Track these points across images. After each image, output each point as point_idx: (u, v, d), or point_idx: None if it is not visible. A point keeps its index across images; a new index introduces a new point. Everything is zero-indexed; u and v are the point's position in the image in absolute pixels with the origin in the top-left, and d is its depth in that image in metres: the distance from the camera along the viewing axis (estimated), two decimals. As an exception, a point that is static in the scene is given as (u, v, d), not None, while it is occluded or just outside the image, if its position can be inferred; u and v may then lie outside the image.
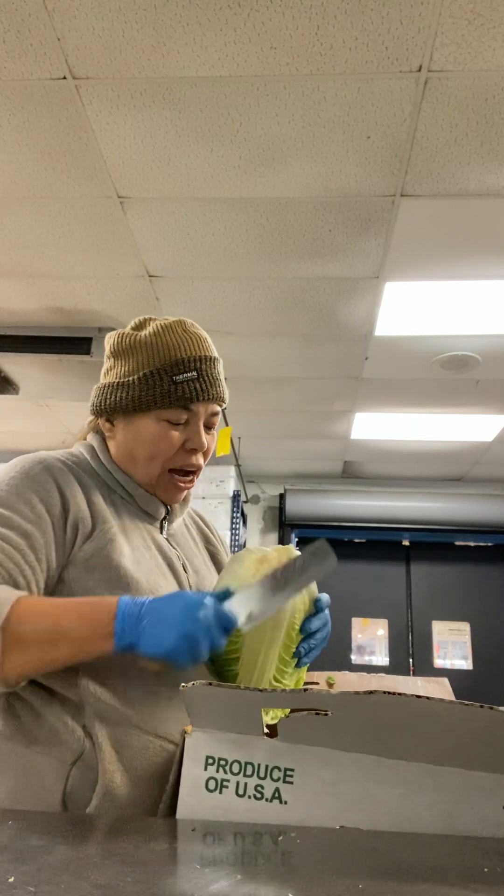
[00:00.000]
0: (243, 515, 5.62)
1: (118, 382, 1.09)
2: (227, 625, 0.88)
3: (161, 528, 1.14)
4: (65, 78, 1.97)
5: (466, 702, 0.72)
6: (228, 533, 5.20)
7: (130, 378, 1.08)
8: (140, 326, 1.14)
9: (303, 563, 0.94)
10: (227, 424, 4.24)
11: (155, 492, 1.11)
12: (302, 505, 5.84)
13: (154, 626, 0.85)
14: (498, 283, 2.92)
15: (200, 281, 3.02)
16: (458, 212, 2.49)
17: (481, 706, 0.71)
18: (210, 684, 0.80)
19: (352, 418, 4.64)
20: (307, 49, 1.84)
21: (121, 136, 2.18)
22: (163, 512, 1.13)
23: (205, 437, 1.09)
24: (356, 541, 6.11)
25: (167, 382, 1.06)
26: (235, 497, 5.33)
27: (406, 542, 6.12)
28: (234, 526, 5.22)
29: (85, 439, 1.18)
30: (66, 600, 0.93)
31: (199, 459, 1.11)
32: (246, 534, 5.87)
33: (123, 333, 1.13)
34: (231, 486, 5.31)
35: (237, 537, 5.22)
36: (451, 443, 5.05)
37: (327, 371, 3.91)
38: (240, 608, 0.89)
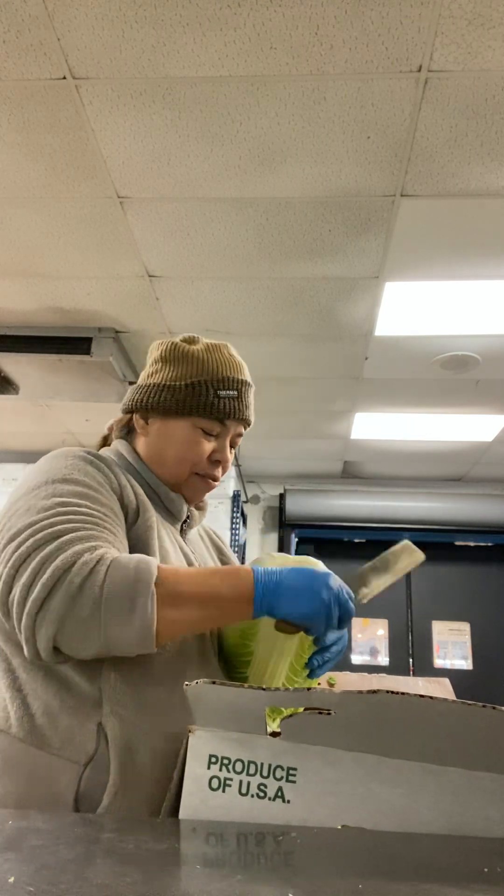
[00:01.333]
0: (243, 515, 5.62)
1: (165, 385, 1.17)
2: (350, 596, 0.98)
3: (181, 531, 1.20)
4: (64, 78, 1.97)
5: (469, 701, 0.72)
6: (228, 533, 5.20)
7: (178, 383, 1.16)
8: (190, 341, 1.23)
9: (397, 553, 1.15)
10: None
11: (180, 490, 1.18)
12: (302, 505, 5.84)
13: (292, 592, 0.93)
14: (498, 283, 2.92)
15: (200, 281, 3.02)
16: (458, 212, 2.49)
17: (483, 706, 0.71)
18: (213, 683, 0.80)
19: (352, 418, 4.64)
20: (307, 49, 1.84)
21: (121, 136, 2.18)
22: (184, 514, 1.19)
23: (229, 454, 1.20)
24: (356, 541, 6.11)
25: (212, 395, 1.15)
26: (235, 497, 5.33)
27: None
28: (234, 526, 5.23)
29: (108, 436, 1.27)
30: (198, 569, 1.03)
31: (219, 472, 1.20)
32: (246, 534, 5.87)
33: (175, 343, 1.21)
34: (231, 486, 5.31)
35: (237, 537, 5.22)
36: (451, 443, 5.05)
37: (327, 371, 3.91)
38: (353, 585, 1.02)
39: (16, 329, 3.45)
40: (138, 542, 1.03)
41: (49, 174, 2.36)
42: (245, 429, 1.24)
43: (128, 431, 1.24)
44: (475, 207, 2.46)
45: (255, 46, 1.84)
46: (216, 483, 1.21)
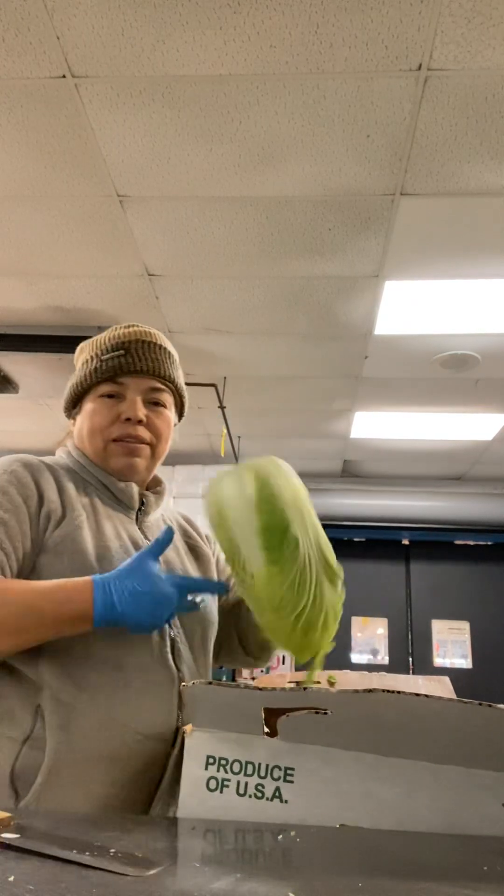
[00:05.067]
0: (243, 514, 5.61)
1: (70, 381, 1.22)
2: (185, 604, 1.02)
3: (138, 519, 1.18)
4: (64, 76, 1.97)
5: (466, 699, 0.73)
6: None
7: (78, 372, 1.21)
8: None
9: None
10: (226, 424, 4.25)
11: (110, 468, 1.15)
12: (302, 504, 5.83)
13: (134, 609, 0.94)
14: (498, 282, 2.92)
15: (200, 280, 3.02)
16: (458, 210, 2.49)
17: (480, 704, 0.71)
18: (210, 683, 0.80)
19: (351, 417, 4.63)
20: (307, 47, 1.84)
21: (120, 135, 2.18)
22: (136, 501, 1.16)
23: (140, 409, 1.14)
24: (356, 540, 6.11)
25: (96, 362, 1.16)
26: (235, 496, 5.32)
27: (406, 542, 6.12)
28: (233, 525, 5.21)
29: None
30: (40, 583, 0.98)
31: (141, 432, 1.15)
32: (246, 533, 5.86)
33: (82, 343, 1.25)
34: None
35: (237, 536, 5.21)
36: (451, 442, 5.05)
37: (327, 370, 3.91)
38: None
39: (16, 328, 3.45)
40: (64, 541, 1.04)
41: (49, 173, 2.36)
42: (161, 383, 1.18)
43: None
44: (475, 206, 2.46)
45: (255, 45, 1.84)
46: (141, 445, 1.16)
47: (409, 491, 5.92)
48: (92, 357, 1.18)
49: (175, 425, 1.27)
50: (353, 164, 2.27)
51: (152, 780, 0.96)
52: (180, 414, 1.30)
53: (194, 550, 1.27)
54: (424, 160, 2.24)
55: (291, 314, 3.28)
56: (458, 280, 2.92)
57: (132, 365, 1.15)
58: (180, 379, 1.25)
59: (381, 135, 2.14)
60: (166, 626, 1.06)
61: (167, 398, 1.20)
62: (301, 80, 1.95)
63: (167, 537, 1.01)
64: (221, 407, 4.10)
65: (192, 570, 1.21)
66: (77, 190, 2.45)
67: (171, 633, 1.07)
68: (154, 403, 1.18)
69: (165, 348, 1.21)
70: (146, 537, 1.15)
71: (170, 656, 1.05)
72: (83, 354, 1.22)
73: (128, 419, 1.14)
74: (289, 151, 2.23)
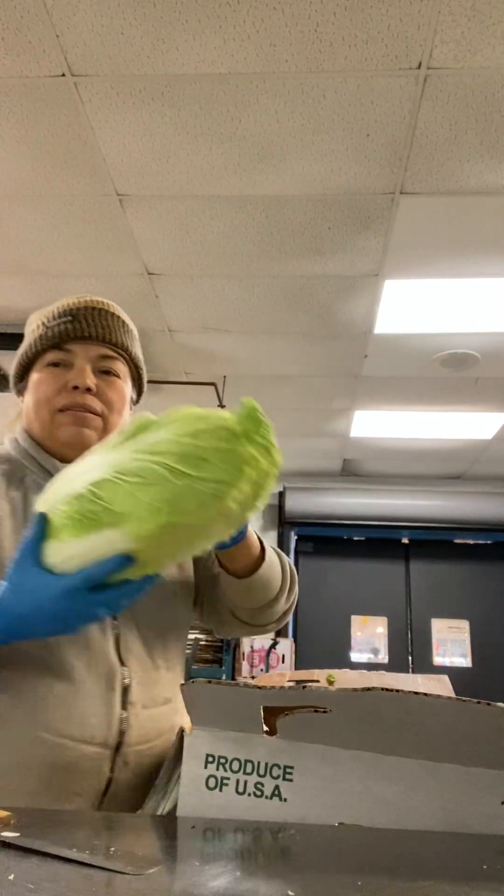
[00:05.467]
0: (243, 513, 5.61)
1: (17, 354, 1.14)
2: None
3: None
4: (63, 75, 1.97)
5: (464, 698, 0.73)
6: (228, 531, 5.19)
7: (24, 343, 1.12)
8: None
9: None
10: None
11: (58, 442, 1.04)
12: (301, 503, 5.85)
13: (21, 631, 0.80)
14: (497, 281, 2.92)
15: (199, 279, 3.02)
16: (458, 209, 2.49)
17: (478, 702, 0.71)
18: (209, 682, 0.80)
19: (351, 416, 4.64)
20: (306, 46, 1.84)
21: (120, 134, 2.18)
22: None
23: (89, 376, 1.05)
24: (355, 539, 6.11)
25: (42, 329, 1.09)
26: (235, 495, 5.32)
27: (405, 540, 6.12)
28: (233, 524, 5.22)
29: None
30: None
31: (90, 401, 1.05)
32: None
33: (32, 314, 1.17)
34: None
35: (236, 535, 5.22)
36: (451, 441, 5.05)
37: (327, 369, 3.91)
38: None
39: (14, 327, 3.44)
40: None
41: (48, 172, 2.36)
42: (112, 350, 1.09)
43: None
44: (475, 205, 2.46)
45: (255, 44, 1.84)
46: (90, 415, 1.05)
47: (408, 490, 5.92)
48: (38, 326, 1.10)
49: (133, 402, 1.17)
50: (352, 163, 2.27)
51: (93, 787, 0.91)
52: (139, 391, 1.19)
53: None
54: (424, 159, 2.24)
55: (291, 313, 3.28)
56: (457, 279, 2.92)
57: (80, 330, 1.06)
58: (136, 350, 1.15)
59: (381, 134, 2.14)
60: (108, 618, 0.96)
61: (120, 367, 1.10)
62: (301, 79, 1.95)
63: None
64: (221, 406, 4.10)
65: None
66: (76, 189, 2.44)
67: (115, 627, 0.98)
68: (105, 372, 1.08)
69: (119, 316, 1.12)
70: None
71: (112, 652, 0.97)
72: (30, 326, 1.14)
73: (75, 387, 1.04)
74: (288, 150, 2.23)
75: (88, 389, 1.05)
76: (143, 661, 1.00)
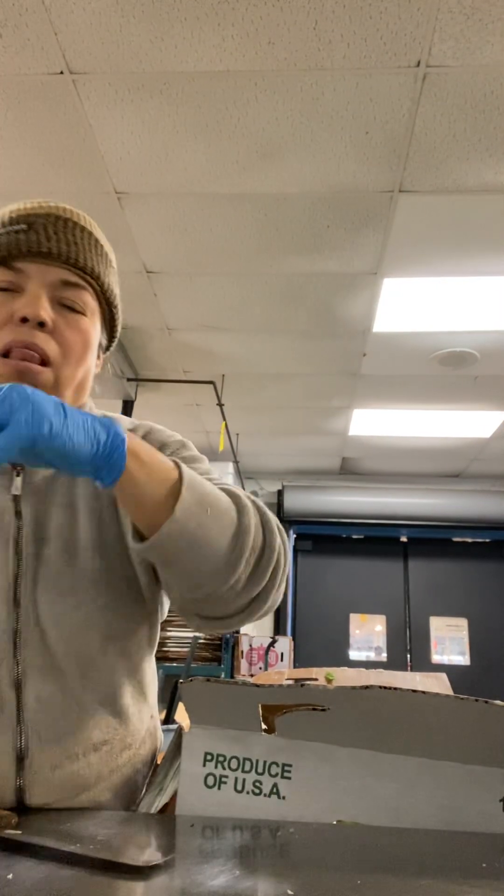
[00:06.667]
0: (241, 512, 5.60)
1: None
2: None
3: (16, 481, 0.82)
4: (62, 73, 1.96)
5: (462, 696, 0.73)
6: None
7: None
8: None
9: None
10: (224, 421, 4.24)
11: None
12: (300, 501, 5.85)
13: None
14: (496, 280, 2.92)
15: (198, 277, 3.01)
16: (457, 208, 2.48)
17: (476, 700, 0.72)
18: (207, 680, 0.80)
19: (350, 414, 4.64)
20: (305, 44, 1.84)
21: (118, 132, 2.18)
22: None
23: (43, 307, 0.80)
24: (354, 537, 6.11)
25: None
26: (233, 493, 5.31)
27: (404, 539, 6.13)
28: (232, 522, 5.21)
29: None
30: None
31: (41, 340, 0.80)
32: (244, 530, 5.86)
33: None
34: (229, 482, 5.30)
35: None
36: (449, 439, 5.05)
37: (325, 367, 3.91)
38: None
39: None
40: None
41: (46, 169, 2.36)
42: (80, 275, 0.84)
43: None
44: (473, 203, 2.46)
45: (254, 41, 1.84)
46: (37, 366, 0.78)
47: (407, 488, 5.93)
48: None
49: (103, 350, 0.91)
50: (351, 161, 2.27)
51: None
52: (110, 334, 0.92)
53: None
54: (423, 157, 2.24)
55: (290, 311, 3.28)
56: (456, 277, 2.92)
57: (36, 244, 0.81)
58: (111, 279, 0.89)
59: (380, 132, 2.14)
60: (7, 656, 0.77)
61: (88, 300, 0.85)
62: (299, 77, 1.95)
63: None
64: (220, 404, 4.10)
65: (106, 528, 0.86)
66: (75, 187, 2.44)
67: (16, 666, 0.77)
68: (67, 307, 0.83)
69: (90, 231, 0.88)
70: (17, 508, 0.81)
71: (9, 704, 0.77)
72: None
73: (24, 319, 0.79)
74: (287, 148, 2.22)
75: (41, 324, 0.79)
76: (57, 708, 0.78)
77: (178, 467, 0.72)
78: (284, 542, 0.81)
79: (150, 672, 0.93)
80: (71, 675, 0.79)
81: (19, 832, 0.67)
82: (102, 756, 0.81)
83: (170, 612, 0.95)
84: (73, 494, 0.85)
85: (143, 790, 0.96)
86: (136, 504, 0.69)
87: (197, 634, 4.43)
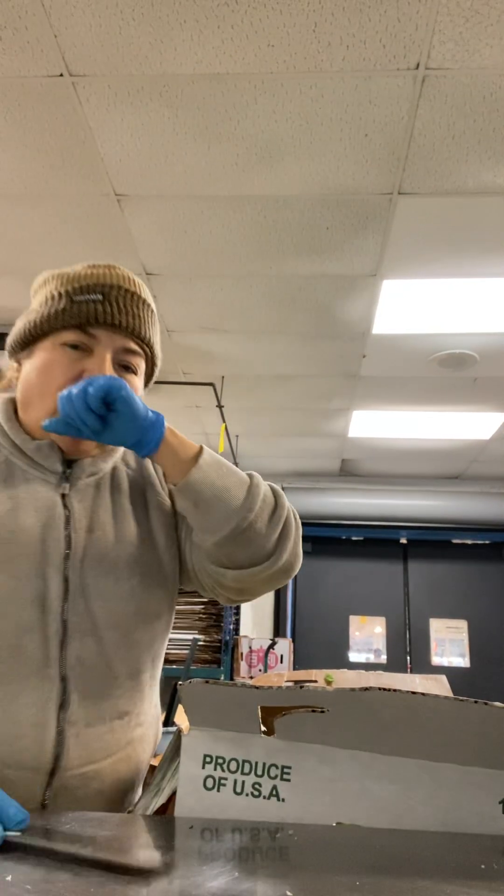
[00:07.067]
0: (241, 513, 5.61)
1: (25, 314, 1.01)
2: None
3: (66, 481, 0.98)
4: (62, 75, 1.97)
5: (461, 697, 0.73)
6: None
7: (36, 307, 0.99)
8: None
9: None
10: (224, 423, 4.24)
11: (50, 437, 0.96)
12: (300, 503, 5.85)
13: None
14: (496, 281, 2.93)
15: (198, 279, 3.02)
16: (456, 210, 2.49)
17: (476, 702, 0.72)
18: (206, 682, 0.80)
19: (349, 416, 4.64)
20: (305, 46, 1.84)
21: (118, 134, 2.18)
22: (58, 465, 0.96)
23: (110, 370, 0.94)
24: (354, 539, 6.11)
25: (66, 302, 0.95)
26: (233, 495, 5.32)
27: (403, 540, 6.13)
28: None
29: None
30: None
31: None
32: (244, 532, 5.86)
33: (47, 272, 1.04)
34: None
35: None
36: (449, 441, 5.06)
37: (325, 369, 3.91)
38: None
39: (12, 327, 3.44)
40: None
41: (46, 172, 2.36)
42: (138, 345, 0.98)
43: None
44: (473, 205, 2.46)
45: (253, 44, 1.84)
46: None
47: (406, 490, 5.93)
48: (59, 294, 0.96)
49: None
50: (350, 164, 2.27)
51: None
52: (147, 381, 1.07)
53: (161, 508, 1.05)
54: (422, 159, 2.24)
55: (289, 313, 3.28)
56: (456, 279, 2.92)
57: (110, 316, 0.94)
58: (158, 341, 1.04)
59: (379, 134, 2.14)
60: (55, 620, 0.89)
61: (140, 364, 1.00)
62: (299, 79, 1.95)
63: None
64: (219, 406, 4.10)
65: (140, 527, 1.01)
66: (74, 189, 2.44)
67: (62, 630, 0.89)
68: (125, 367, 0.97)
69: (148, 302, 1.01)
70: (65, 504, 0.95)
71: (54, 661, 0.88)
72: (47, 287, 0.99)
73: None
74: (287, 150, 2.23)
75: None
76: (95, 669, 0.91)
77: (201, 446, 0.94)
78: (295, 513, 0.99)
79: (160, 667, 1.05)
80: (107, 643, 0.92)
81: (18, 833, 0.67)
82: (122, 725, 0.93)
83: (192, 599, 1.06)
84: (112, 496, 1.02)
85: (139, 790, 0.97)
86: (171, 463, 0.91)
87: (196, 636, 4.42)
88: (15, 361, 1.02)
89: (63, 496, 0.96)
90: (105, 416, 0.84)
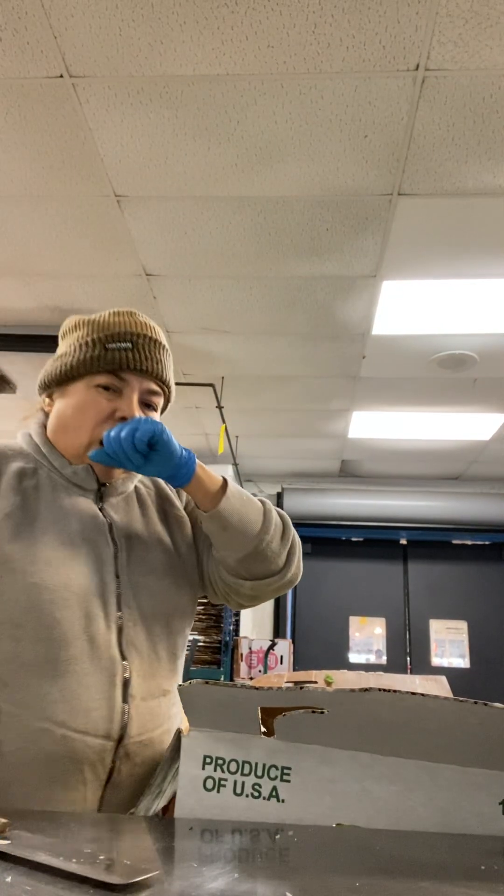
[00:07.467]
0: (241, 514, 5.61)
1: (58, 356, 1.15)
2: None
3: (100, 499, 1.14)
4: (62, 76, 1.97)
5: (461, 698, 0.73)
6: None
7: (70, 349, 1.13)
8: (93, 314, 1.19)
9: None
10: (223, 424, 4.24)
11: (84, 462, 1.11)
12: (300, 503, 5.85)
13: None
14: (495, 282, 2.93)
15: (198, 280, 3.02)
16: (455, 210, 2.49)
17: (475, 702, 0.71)
18: (206, 683, 0.80)
19: (349, 417, 4.64)
20: (304, 48, 1.84)
21: (118, 135, 2.18)
22: (93, 482, 1.12)
23: (137, 410, 1.10)
24: (354, 539, 6.11)
25: (99, 349, 1.10)
26: (233, 496, 5.32)
27: (403, 541, 6.13)
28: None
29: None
30: None
31: None
32: (243, 533, 5.86)
33: (75, 317, 1.19)
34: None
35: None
36: (449, 441, 5.06)
37: (325, 370, 3.92)
38: None
39: (13, 328, 3.44)
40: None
41: (46, 173, 2.36)
42: (160, 387, 1.15)
43: (46, 415, 1.19)
44: (472, 206, 2.46)
45: (253, 45, 1.84)
46: None
47: (406, 491, 5.93)
48: (94, 341, 1.11)
49: None
50: (350, 164, 2.27)
51: (98, 777, 0.96)
52: (161, 413, 1.24)
53: (179, 521, 1.22)
54: (422, 160, 2.24)
55: (289, 314, 3.28)
56: (455, 280, 2.92)
57: (138, 363, 1.10)
58: (173, 381, 1.21)
59: (379, 135, 2.14)
60: (114, 610, 1.04)
61: (160, 402, 1.16)
62: (299, 80, 1.95)
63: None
64: (219, 407, 4.10)
65: (165, 536, 1.17)
66: (74, 190, 2.44)
67: (119, 619, 1.04)
68: (147, 405, 1.13)
69: (167, 348, 1.18)
70: (105, 515, 1.11)
71: (114, 645, 1.02)
72: (78, 332, 1.14)
73: (122, 418, 1.08)
74: (286, 151, 2.23)
75: None
76: (144, 652, 1.05)
77: (224, 479, 1.11)
78: (296, 536, 1.18)
79: (184, 656, 1.20)
80: (153, 630, 1.07)
81: (8, 842, 0.66)
82: (165, 702, 1.06)
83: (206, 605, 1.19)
84: (139, 510, 1.19)
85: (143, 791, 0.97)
86: (202, 493, 1.08)
87: (196, 637, 4.42)
88: (47, 396, 1.18)
89: (101, 507, 1.12)
90: (146, 454, 1.01)
